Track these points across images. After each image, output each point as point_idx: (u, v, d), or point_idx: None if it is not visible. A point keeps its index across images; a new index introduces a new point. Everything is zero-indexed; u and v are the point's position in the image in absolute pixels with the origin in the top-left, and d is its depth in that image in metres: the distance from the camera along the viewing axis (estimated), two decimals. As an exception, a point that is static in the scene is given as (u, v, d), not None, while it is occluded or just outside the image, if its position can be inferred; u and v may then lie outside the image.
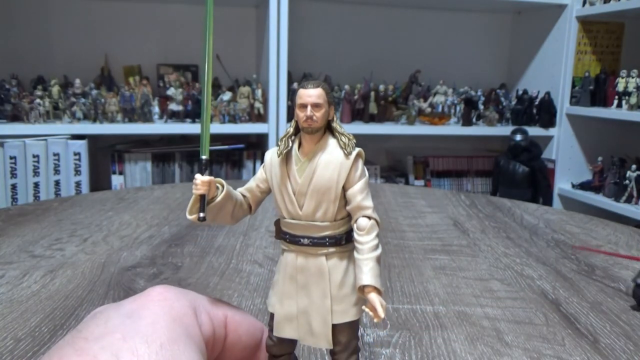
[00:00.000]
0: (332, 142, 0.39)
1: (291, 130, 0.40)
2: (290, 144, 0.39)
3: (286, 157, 0.39)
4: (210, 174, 0.38)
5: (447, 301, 0.74)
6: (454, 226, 1.12)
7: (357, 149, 0.39)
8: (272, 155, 0.41)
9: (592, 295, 0.77)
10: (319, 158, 0.38)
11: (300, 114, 0.38)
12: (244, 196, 0.41)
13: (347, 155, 0.38)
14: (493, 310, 0.71)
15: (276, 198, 0.40)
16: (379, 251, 0.38)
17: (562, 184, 2.45)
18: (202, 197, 0.38)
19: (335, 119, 0.40)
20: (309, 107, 0.38)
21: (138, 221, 1.09)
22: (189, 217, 0.39)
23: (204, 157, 0.39)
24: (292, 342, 0.42)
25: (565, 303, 0.74)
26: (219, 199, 0.39)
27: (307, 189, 0.39)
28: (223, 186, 0.39)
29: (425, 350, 0.60)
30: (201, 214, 0.38)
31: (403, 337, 0.63)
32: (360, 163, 0.39)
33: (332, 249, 0.39)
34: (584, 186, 2.37)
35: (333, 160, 0.38)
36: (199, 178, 0.38)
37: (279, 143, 0.40)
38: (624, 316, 0.70)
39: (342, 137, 0.39)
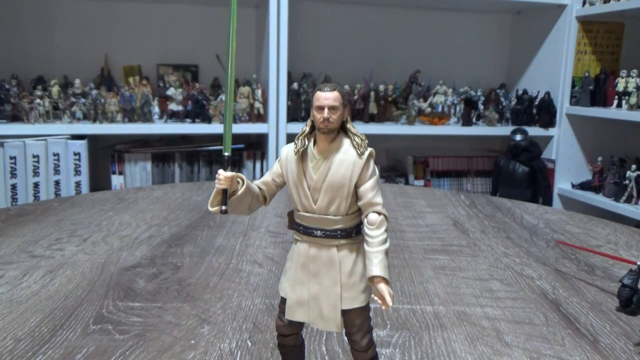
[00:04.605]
0: (346, 141, 0.41)
1: (307, 129, 0.42)
2: (307, 143, 0.42)
3: (302, 154, 0.42)
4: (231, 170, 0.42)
5: (447, 301, 0.74)
6: (453, 226, 1.12)
7: (369, 149, 0.41)
8: (288, 151, 0.43)
9: (592, 295, 0.77)
10: (334, 156, 0.41)
11: (317, 116, 0.40)
12: (260, 189, 0.44)
13: (360, 154, 0.41)
14: (493, 310, 0.71)
15: (291, 192, 0.43)
16: (387, 244, 0.40)
17: (562, 184, 2.45)
18: (224, 191, 0.41)
19: (349, 120, 0.42)
20: (326, 110, 0.40)
21: (138, 221, 1.09)
22: (210, 209, 0.42)
23: (226, 153, 0.42)
24: (301, 323, 0.45)
25: (565, 303, 0.74)
26: (239, 192, 0.42)
27: (322, 185, 0.41)
28: (243, 181, 0.42)
29: (425, 350, 0.60)
30: (223, 207, 0.41)
31: (403, 337, 0.63)
32: (372, 162, 0.42)
33: (343, 241, 0.42)
34: (583, 186, 2.37)
35: (346, 159, 0.41)
36: (222, 174, 0.41)
37: (296, 141, 0.42)
38: (624, 316, 0.70)
39: (356, 138, 0.41)
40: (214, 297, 0.73)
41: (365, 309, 0.43)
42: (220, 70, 2.29)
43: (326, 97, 0.40)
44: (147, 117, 2.02)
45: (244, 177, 0.42)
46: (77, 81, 2.00)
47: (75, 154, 1.97)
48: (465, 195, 1.42)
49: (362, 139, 0.41)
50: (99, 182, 2.18)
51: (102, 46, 2.27)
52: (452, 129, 2.36)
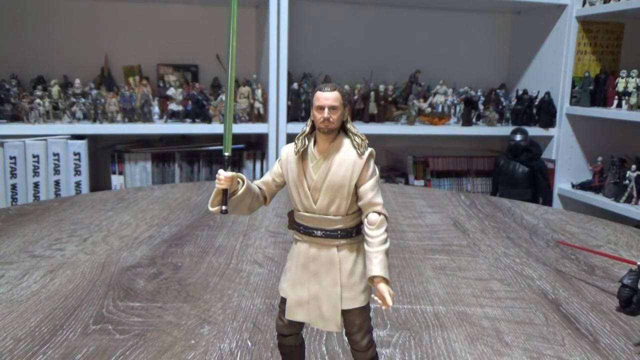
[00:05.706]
0: (346, 141, 0.41)
1: (307, 129, 0.42)
2: (307, 143, 0.42)
3: (302, 154, 0.42)
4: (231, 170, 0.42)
5: (447, 301, 0.74)
6: (454, 226, 1.12)
7: (370, 149, 0.41)
8: (288, 151, 0.43)
9: (592, 295, 0.77)
10: (334, 156, 0.41)
11: (317, 116, 0.40)
12: (260, 189, 0.44)
13: (360, 154, 0.41)
14: (493, 310, 0.71)
15: (291, 192, 0.43)
16: (387, 244, 0.40)
17: (562, 184, 2.45)
18: (224, 191, 0.41)
19: (349, 120, 0.42)
20: (326, 110, 0.40)
21: (138, 221, 1.09)
22: (211, 209, 0.42)
23: (226, 153, 0.42)
24: (301, 323, 0.45)
25: (565, 303, 0.74)
26: (240, 192, 0.42)
27: (322, 185, 0.41)
28: (243, 181, 0.42)
29: (425, 350, 0.60)
30: (223, 207, 0.41)
31: (403, 337, 0.63)
32: (372, 162, 0.42)
33: (343, 241, 0.42)
34: (583, 186, 2.37)
35: (347, 159, 0.41)
36: (222, 173, 0.41)
37: (296, 141, 0.42)
38: (624, 316, 0.70)
39: (356, 138, 0.41)
40: (214, 297, 0.73)
41: (365, 309, 0.43)
42: (220, 70, 2.29)
43: (326, 97, 0.40)
44: (147, 117, 2.02)
45: (244, 177, 0.42)
46: (77, 81, 2.00)
47: (75, 154, 1.97)
48: (465, 195, 1.42)
49: (362, 139, 0.41)
50: (99, 182, 2.18)
51: (102, 46, 2.27)
52: (452, 129, 2.36)
